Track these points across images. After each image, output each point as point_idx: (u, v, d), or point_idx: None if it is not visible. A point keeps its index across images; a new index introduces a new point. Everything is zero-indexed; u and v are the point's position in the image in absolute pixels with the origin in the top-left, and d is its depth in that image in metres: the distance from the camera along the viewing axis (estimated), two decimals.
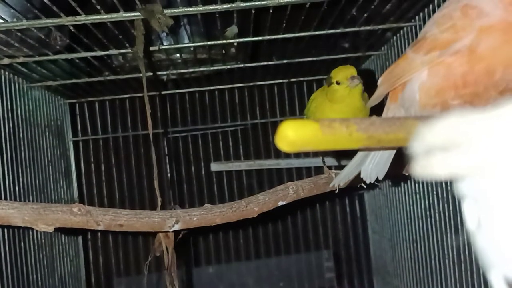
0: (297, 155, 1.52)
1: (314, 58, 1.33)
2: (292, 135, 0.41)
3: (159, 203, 0.93)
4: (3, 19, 0.94)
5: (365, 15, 1.07)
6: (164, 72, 1.32)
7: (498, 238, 0.27)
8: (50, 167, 1.34)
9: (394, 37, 1.23)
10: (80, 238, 1.50)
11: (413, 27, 1.12)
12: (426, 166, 0.27)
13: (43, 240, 1.24)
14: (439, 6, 0.97)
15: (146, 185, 1.61)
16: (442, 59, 0.66)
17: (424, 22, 1.00)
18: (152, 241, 0.98)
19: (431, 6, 1.02)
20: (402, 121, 0.45)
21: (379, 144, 0.44)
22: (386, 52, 1.30)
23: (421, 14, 1.07)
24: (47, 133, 1.34)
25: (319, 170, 1.23)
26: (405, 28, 1.15)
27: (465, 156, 0.26)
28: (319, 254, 1.63)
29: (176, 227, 0.85)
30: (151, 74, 1.28)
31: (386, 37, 1.25)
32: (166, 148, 1.64)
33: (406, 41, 1.16)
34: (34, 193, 1.23)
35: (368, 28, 1.14)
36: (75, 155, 1.54)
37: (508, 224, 0.26)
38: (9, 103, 1.15)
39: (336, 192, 0.98)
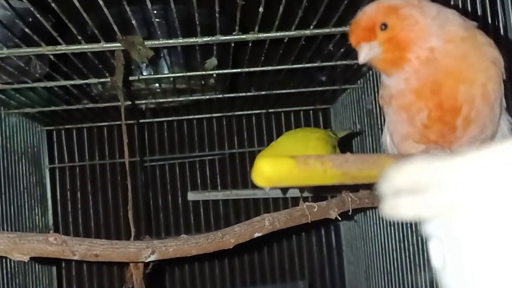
0: None
1: (292, 90, 1.35)
2: (268, 170, 0.42)
3: (133, 234, 0.93)
4: None
5: (342, 50, 1.10)
6: (143, 101, 1.33)
7: (462, 277, 0.28)
8: (26, 194, 1.33)
9: (370, 71, 1.25)
10: (54, 267, 1.48)
11: None
12: (394, 207, 0.29)
13: (16, 268, 1.23)
14: None
15: (122, 214, 1.58)
16: (384, 110, 0.74)
17: None
18: (127, 271, 0.98)
19: None
20: (375, 158, 0.46)
21: (353, 181, 0.46)
22: (362, 86, 1.33)
23: None
24: (23, 160, 1.34)
25: (295, 201, 1.23)
26: None
27: (431, 200, 0.27)
28: (294, 285, 1.62)
29: (152, 258, 0.85)
30: (130, 103, 1.28)
31: (362, 71, 1.27)
32: (143, 177, 1.63)
33: (381, 75, 1.18)
34: (9, 220, 1.21)
35: (344, 62, 1.16)
36: (51, 182, 1.53)
37: (472, 263, 0.28)
38: None
39: (309, 222, 0.98)
